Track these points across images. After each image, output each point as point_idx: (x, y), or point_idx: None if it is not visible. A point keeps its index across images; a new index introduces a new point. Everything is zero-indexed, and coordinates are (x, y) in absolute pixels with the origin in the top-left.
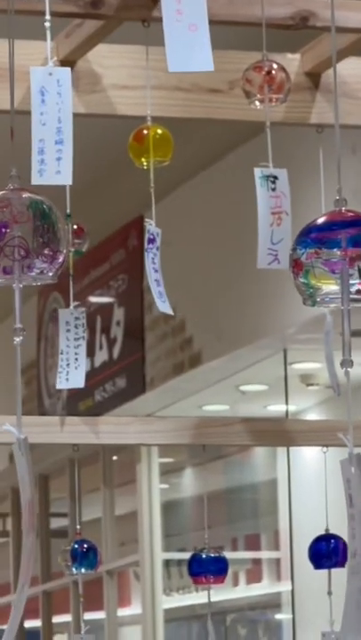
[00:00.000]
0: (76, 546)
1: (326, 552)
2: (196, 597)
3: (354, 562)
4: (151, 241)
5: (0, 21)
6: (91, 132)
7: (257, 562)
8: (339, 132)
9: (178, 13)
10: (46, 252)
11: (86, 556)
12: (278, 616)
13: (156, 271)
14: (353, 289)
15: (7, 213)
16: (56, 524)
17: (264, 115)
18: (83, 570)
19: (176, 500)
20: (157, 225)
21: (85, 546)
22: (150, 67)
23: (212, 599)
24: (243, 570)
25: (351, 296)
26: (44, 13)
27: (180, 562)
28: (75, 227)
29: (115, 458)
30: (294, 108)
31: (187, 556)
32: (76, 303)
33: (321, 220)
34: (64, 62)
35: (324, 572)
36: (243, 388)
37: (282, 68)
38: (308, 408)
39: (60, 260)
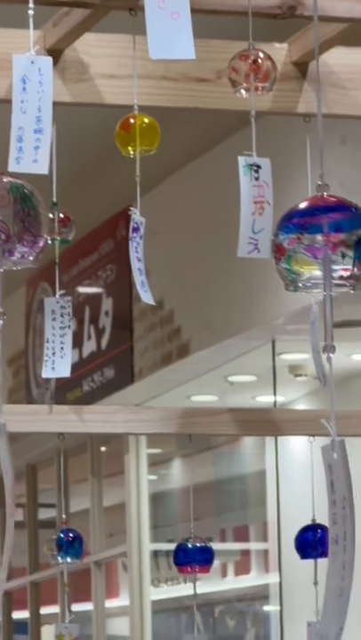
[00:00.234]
0: (62, 535)
1: (313, 542)
2: (184, 589)
3: (335, 548)
4: (135, 230)
5: None
6: (81, 122)
7: (245, 553)
8: (321, 119)
9: (160, 1)
10: (27, 236)
11: (72, 545)
12: (266, 608)
13: (139, 260)
14: (336, 274)
15: None
16: (45, 514)
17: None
18: (68, 559)
19: (164, 491)
20: (146, 215)
21: (71, 535)
22: (137, 56)
23: (200, 591)
24: (231, 561)
25: (334, 281)
26: (28, 2)
27: (168, 553)
28: (61, 215)
29: (103, 449)
30: (282, 97)
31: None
32: (62, 292)
33: (303, 206)
34: (51, 51)
35: (311, 563)
36: (231, 378)
37: (268, 57)
38: (297, 399)
39: (41, 244)
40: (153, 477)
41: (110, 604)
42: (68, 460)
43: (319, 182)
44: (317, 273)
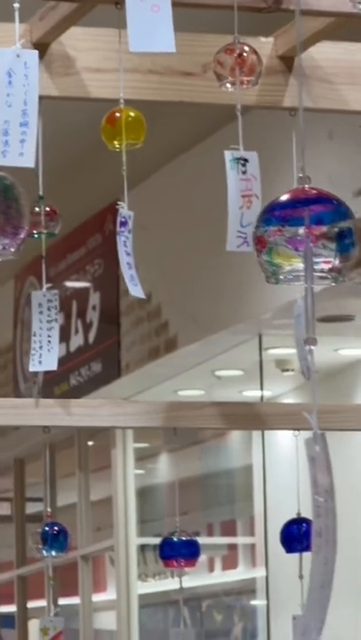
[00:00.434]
0: (47, 528)
1: (298, 536)
2: (171, 583)
3: (319, 540)
4: (123, 224)
5: None
6: (69, 116)
7: (233, 547)
8: (303, 113)
9: None
10: (8, 228)
11: (57, 538)
12: (254, 602)
13: (128, 254)
14: (317, 267)
15: None
16: (32, 508)
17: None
18: (53, 553)
19: (151, 486)
20: (134, 209)
21: (56, 528)
22: (123, 49)
23: (188, 585)
24: (219, 556)
25: (316, 274)
26: None
27: (155, 547)
28: (47, 209)
29: (90, 443)
30: (268, 91)
31: None
32: (49, 285)
33: (284, 198)
34: (37, 45)
35: (297, 557)
36: (218, 373)
37: (254, 51)
38: (284, 393)
39: (22, 235)
40: (140, 472)
41: (98, 598)
42: (55, 454)
43: (300, 175)
44: (299, 265)
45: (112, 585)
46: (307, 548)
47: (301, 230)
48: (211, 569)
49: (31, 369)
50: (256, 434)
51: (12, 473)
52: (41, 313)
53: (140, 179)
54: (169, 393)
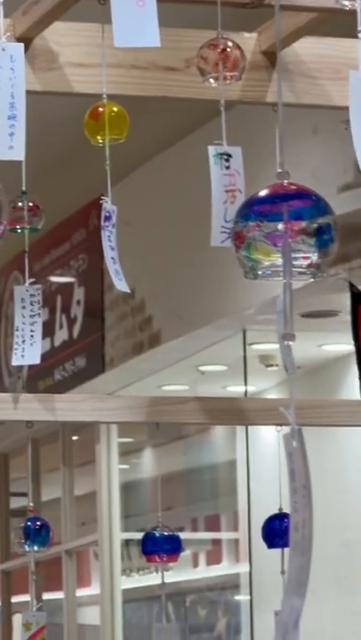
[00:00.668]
0: (29, 523)
1: (279, 531)
2: (155, 578)
3: (296, 536)
4: (107, 219)
5: None
6: (53, 111)
7: (217, 543)
8: (282, 107)
9: None
10: None
11: (39, 533)
12: (238, 597)
13: (112, 249)
14: (296, 262)
15: None
16: (16, 503)
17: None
18: (35, 547)
19: (136, 481)
20: (117, 205)
21: (38, 523)
22: (107, 44)
23: (172, 580)
24: (203, 551)
25: (294, 269)
26: None
27: (139, 542)
28: (30, 204)
29: (74, 438)
30: (251, 86)
31: None
32: (32, 280)
33: (263, 193)
34: (20, 39)
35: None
36: (202, 368)
37: (237, 46)
38: (268, 389)
39: (1, 230)
40: (124, 467)
41: (82, 592)
42: (39, 448)
43: (279, 170)
44: (277, 261)
45: (96, 580)
46: (288, 543)
47: (280, 226)
48: (195, 564)
49: (14, 363)
50: (240, 429)
51: None
52: (24, 308)
53: (123, 174)
54: (153, 388)
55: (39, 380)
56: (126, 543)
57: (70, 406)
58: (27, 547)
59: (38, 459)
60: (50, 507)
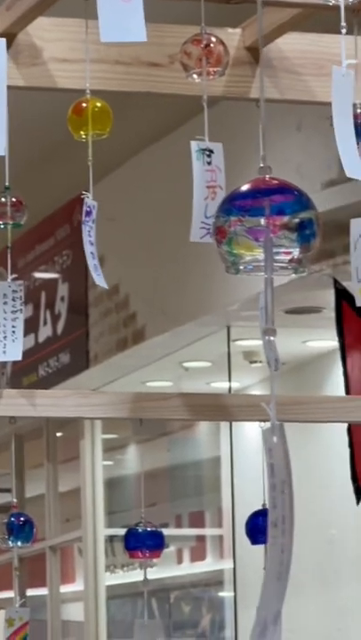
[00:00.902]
0: (13, 519)
1: (263, 527)
2: (139, 574)
3: (275, 531)
4: (88, 214)
5: None
6: (38, 107)
7: (201, 539)
8: (264, 103)
9: None
10: None
11: (22, 529)
12: (222, 593)
13: (91, 244)
14: (278, 257)
15: None
16: (0, 499)
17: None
18: (19, 543)
19: (120, 477)
20: (101, 201)
21: (22, 519)
22: (90, 40)
23: (156, 576)
24: (187, 547)
25: (276, 264)
26: None
27: (123, 538)
28: (13, 199)
29: (59, 434)
30: (234, 82)
31: None
32: (14, 276)
33: (245, 188)
34: (4, 35)
35: (264, 549)
36: (186, 364)
37: (220, 42)
38: (252, 385)
39: None
40: (108, 463)
41: (66, 589)
42: (23, 444)
43: (261, 164)
44: (259, 256)
45: (80, 576)
46: None
47: (262, 220)
48: (179, 560)
49: None
50: (224, 425)
51: None
52: (5, 303)
53: (108, 170)
54: (137, 384)
55: (23, 376)
56: (110, 539)
57: (53, 402)
58: (10, 542)
59: (22, 455)
60: (34, 503)
